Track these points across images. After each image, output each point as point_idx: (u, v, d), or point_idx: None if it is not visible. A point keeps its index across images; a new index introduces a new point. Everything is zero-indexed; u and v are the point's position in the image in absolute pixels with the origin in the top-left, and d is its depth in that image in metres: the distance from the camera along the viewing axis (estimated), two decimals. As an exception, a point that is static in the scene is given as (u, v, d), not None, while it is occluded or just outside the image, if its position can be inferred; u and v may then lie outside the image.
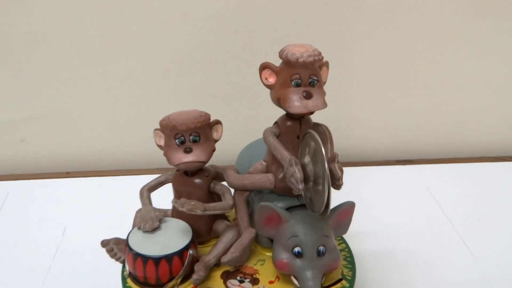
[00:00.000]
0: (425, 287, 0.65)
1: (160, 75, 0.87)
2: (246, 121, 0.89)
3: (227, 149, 0.81)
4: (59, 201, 0.82)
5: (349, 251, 0.63)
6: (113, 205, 0.80)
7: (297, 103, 0.53)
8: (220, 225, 0.61)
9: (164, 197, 0.62)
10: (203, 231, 0.61)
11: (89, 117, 0.90)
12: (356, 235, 0.67)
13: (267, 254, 0.61)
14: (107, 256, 0.60)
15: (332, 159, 0.52)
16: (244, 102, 0.89)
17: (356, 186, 0.80)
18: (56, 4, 0.81)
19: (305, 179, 0.52)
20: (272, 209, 0.56)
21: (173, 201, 0.56)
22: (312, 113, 0.55)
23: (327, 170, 0.50)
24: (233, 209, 0.60)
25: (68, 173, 0.91)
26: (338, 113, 0.87)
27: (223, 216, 0.63)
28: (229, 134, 0.79)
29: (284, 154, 0.54)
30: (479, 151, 0.96)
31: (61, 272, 0.68)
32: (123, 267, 0.60)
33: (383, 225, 0.75)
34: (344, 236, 0.64)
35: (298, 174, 0.51)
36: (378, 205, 0.79)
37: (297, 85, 0.54)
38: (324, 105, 0.54)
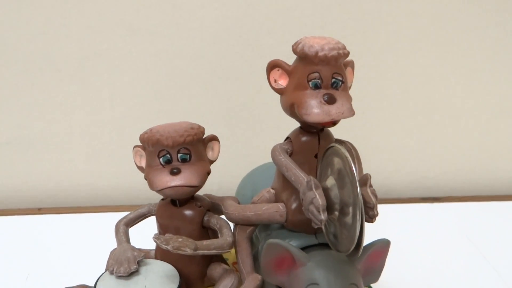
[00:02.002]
0: None
1: (148, 95, 0.76)
2: (249, 146, 0.77)
3: (226, 181, 0.70)
4: (27, 241, 0.71)
5: (381, 305, 0.50)
6: (90, 246, 0.68)
7: (316, 110, 0.42)
8: (216, 269, 0.48)
9: (146, 234, 0.50)
10: (194, 277, 0.49)
11: (64, 144, 0.78)
12: (385, 286, 0.54)
13: (276, 307, 0.48)
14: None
15: (364, 182, 0.40)
16: (248, 123, 0.77)
17: (376, 227, 0.67)
18: (28, 10, 0.70)
19: (329, 208, 0.40)
20: (283, 248, 0.43)
21: (155, 237, 0.43)
22: (335, 124, 0.43)
23: (360, 196, 0.38)
24: (233, 249, 0.48)
25: (39, 209, 0.78)
26: (355, 143, 0.76)
27: (219, 258, 0.51)
28: (229, 163, 0.68)
29: (299, 175, 0.42)
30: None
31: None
32: (90, 323, 0.47)
33: (416, 274, 0.62)
34: (372, 285, 0.52)
35: (320, 200, 0.39)
36: (406, 249, 0.66)
37: (316, 87, 0.42)
38: (351, 112, 0.42)
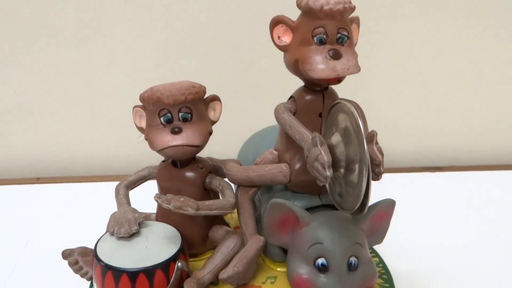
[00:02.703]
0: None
1: (147, 61, 0.74)
2: (250, 111, 0.76)
3: (227, 149, 0.69)
4: (26, 210, 0.70)
5: (384, 267, 0.49)
6: (89, 216, 0.67)
7: (321, 65, 0.40)
8: (218, 231, 0.48)
9: (146, 198, 0.49)
10: (196, 240, 0.48)
11: (63, 113, 0.77)
12: (389, 250, 0.53)
13: (279, 269, 0.48)
14: (71, 271, 0.47)
15: (370, 139, 0.39)
16: (249, 87, 0.76)
17: (378, 196, 0.66)
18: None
19: (334, 165, 0.39)
20: (287, 208, 0.42)
21: (156, 197, 0.42)
22: (340, 81, 0.42)
23: (367, 152, 0.37)
24: (235, 214, 0.47)
25: (38, 179, 0.77)
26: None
27: (222, 222, 0.50)
28: (230, 128, 0.67)
29: (303, 133, 0.41)
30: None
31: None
32: (91, 285, 0.46)
33: (419, 239, 0.62)
34: (375, 248, 0.51)
35: (325, 156, 0.38)
36: (410, 216, 0.66)
37: (321, 42, 0.41)
38: (357, 68, 0.41)
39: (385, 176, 0.70)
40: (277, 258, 0.48)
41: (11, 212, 0.69)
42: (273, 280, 0.47)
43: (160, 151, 0.44)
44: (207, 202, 0.44)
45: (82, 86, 0.75)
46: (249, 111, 0.76)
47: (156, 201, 0.42)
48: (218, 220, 0.49)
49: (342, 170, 0.40)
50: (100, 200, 0.68)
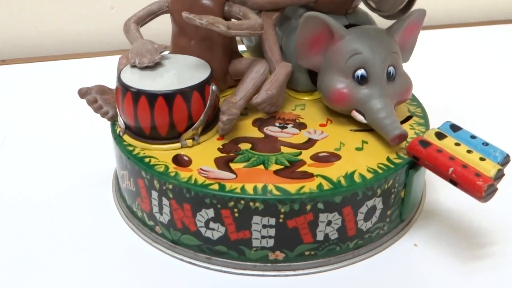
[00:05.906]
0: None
1: None
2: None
3: None
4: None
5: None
6: (61, 94, 0.62)
7: None
8: (241, 62, 0.46)
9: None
10: (216, 74, 0.45)
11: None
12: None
13: (306, 98, 0.47)
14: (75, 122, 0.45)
15: None
16: None
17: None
18: None
19: None
20: (321, 21, 0.41)
21: (185, 13, 0.39)
22: None
23: None
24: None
25: (3, 61, 0.71)
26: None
27: (240, 56, 0.47)
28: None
29: None
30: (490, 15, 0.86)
31: (10, 160, 0.52)
32: (113, 125, 0.43)
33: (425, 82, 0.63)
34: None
35: None
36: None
37: None
38: None
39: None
40: (302, 88, 0.46)
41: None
42: (303, 107, 0.45)
43: None
44: (236, 22, 0.41)
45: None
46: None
47: (186, 18, 0.39)
48: (236, 55, 0.47)
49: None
50: (71, 78, 0.64)
